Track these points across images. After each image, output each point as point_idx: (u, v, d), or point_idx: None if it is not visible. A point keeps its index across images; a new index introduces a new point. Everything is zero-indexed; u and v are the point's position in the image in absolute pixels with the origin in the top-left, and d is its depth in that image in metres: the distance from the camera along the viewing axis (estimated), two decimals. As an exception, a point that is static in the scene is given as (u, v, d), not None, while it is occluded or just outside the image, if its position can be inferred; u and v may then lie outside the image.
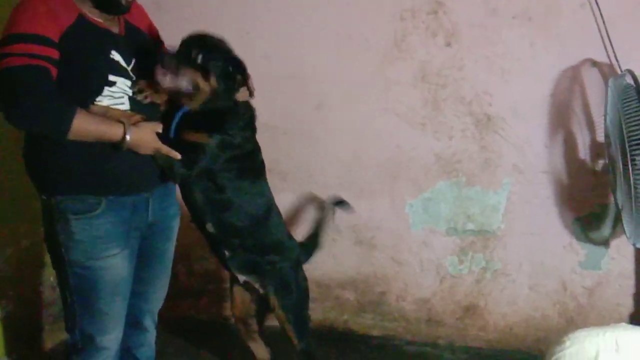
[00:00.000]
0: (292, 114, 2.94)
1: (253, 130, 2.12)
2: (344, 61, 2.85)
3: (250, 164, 2.11)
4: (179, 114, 1.97)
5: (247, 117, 2.07)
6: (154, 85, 1.89)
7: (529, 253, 2.83)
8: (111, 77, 1.81)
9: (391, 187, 2.92)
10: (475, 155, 2.81)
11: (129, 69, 1.87)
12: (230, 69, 1.96)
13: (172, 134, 1.95)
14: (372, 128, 2.88)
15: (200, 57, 1.89)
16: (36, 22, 1.70)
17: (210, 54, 1.92)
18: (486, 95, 2.75)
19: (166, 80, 1.86)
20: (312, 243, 2.46)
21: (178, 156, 1.88)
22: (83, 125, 1.72)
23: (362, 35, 2.81)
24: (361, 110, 2.87)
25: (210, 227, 2.09)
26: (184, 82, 1.88)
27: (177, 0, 2.93)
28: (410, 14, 2.74)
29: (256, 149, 2.14)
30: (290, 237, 2.30)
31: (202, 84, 1.91)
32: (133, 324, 2.10)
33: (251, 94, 2.02)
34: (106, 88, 1.80)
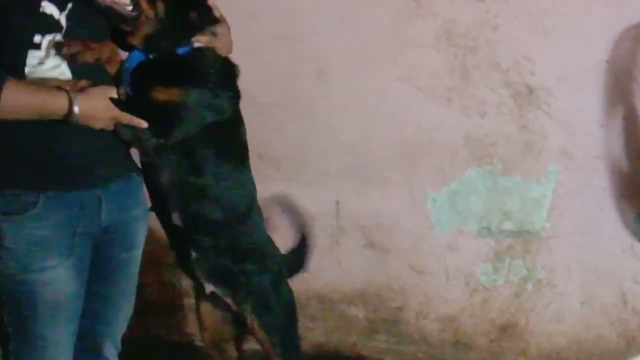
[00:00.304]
0: (286, 84, 2.92)
1: (236, 92, 2.09)
2: (349, 19, 2.83)
3: (234, 140, 2.10)
4: (132, 63, 1.93)
5: (226, 71, 2.05)
6: (92, 45, 1.85)
7: (580, 259, 2.82)
8: (37, 38, 1.76)
9: (409, 177, 2.91)
10: (513, 136, 2.79)
11: (62, 16, 1.81)
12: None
13: (129, 93, 1.93)
14: (384, 102, 2.87)
15: None
16: None
17: None
18: (527, 62, 2.73)
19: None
20: (295, 260, 2.43)
21: (143, 124, 1.85)
22: (14, 98, 1.68)
23: (371, -15, 2.79)
24: (371, 79, 2.86)
25: (175, 217, 2.06)
26: None
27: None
28: (432, -40, 2.74)
29: (240, 121, 2.11)
30: (272, 242, 2.29)
31: (145, 5, 1.87)
32: (90, 351, 2.05)
33: (218, 48, 1.99)
34: (31, 53, 1.76)
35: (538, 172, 2.80)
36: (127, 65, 1.96)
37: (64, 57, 1.79)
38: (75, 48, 1.82)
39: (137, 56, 1.95)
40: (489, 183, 2.85)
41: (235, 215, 2.12)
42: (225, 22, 2.02)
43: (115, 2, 1.85)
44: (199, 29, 1.97)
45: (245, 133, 2.14)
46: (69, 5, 1.83)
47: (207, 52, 2.00)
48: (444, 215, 2.91)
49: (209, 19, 1.99)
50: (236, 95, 2.09)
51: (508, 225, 2.87)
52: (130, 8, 1.87)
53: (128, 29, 1.91)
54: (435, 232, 2.93)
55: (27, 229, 1.80)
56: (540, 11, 2.70)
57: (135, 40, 1.93)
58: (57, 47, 1.80)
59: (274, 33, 2.87)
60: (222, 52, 2.04)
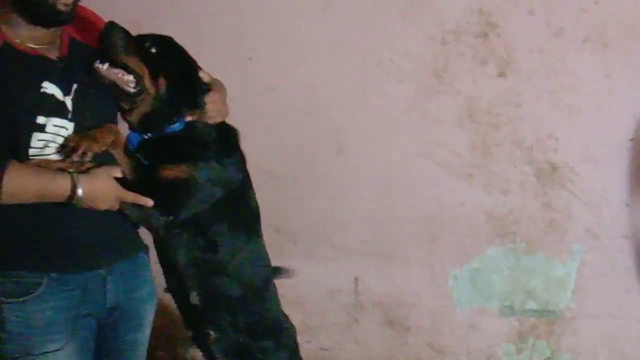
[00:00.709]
0: (305, 158, 2.92)
1: (242, 155, 2.06)
2: (370, 94, 2.85)
3: (245, 208, 2.06)
4: (134, 143, 1.92)
5: (226, 138, 2.03)
6: (94, 135, 1.82)
7: (606, 340, 2.78)
8: (40, 119, 1.74)
9: (430, 254, 2.88)
10: (536, 214, 2.78)
11: (67, 100, 1.80)
12: (188, 74, 1.95)
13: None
14: (405, 178, 2.86)
15: (154, 48, 1.88)
16: None
17: (166, 47, 1.92)
18: (550, 140, 2.74)
19: (103, 68, 1.81)
20: None
21: (150, 202, 1.82)
22: (17, 182, 1.65)
23: (393, 61, 2.81)
24: (392, 155, 2.86)
25: (194, 297, 2.01)
26: (126, 76, 1.84)
27: (163, 18, 2.94)
28: (454, 37, 2.75)
29: (248, 185, 2.08)
30: (286, 316, 2.24)
31: (148, 83, 1.87)
32: None
33: (210, 117, 1.97)
34: (35, 136, 1.74)
35: (562, 251, 2.78)
36: (130, 147, 1.94)
37: (73, 160, 1.76)
38: (81, 147, 1.78)
39: (136, 136, 1.94)
40: (512, 261, 2.82)
41: (253, 289, 2.07)
42: (217, 85, 2.01)
43: (119, 78, 1.84)
44: (190, 104, 1.94)
45: (254, 196, 2.09)
46: (74, 87, 1.82)
47: (199, 124, 1.97)
48: (466, 293, 2.88)
49: (200, 89, 1.96)
50: (241, 158, 2.05)
51: (531, 305, 2.83)
52: (133, 85, 1.86)
53: (127, 107, 1.91)
54: (457, 311, 2.89)
55: (29, 312, 1.77)
56: (563, 89, 2.70)
57: (132, 119, 1.92)
58: (64, 150, 1.77)
59: (294, 106, 2.87)
60: (216, 120, 2.00)
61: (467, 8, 2.72)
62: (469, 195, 2.82)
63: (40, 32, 1.81)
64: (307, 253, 2.92)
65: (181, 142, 1.94)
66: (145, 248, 2.04)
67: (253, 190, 2.08)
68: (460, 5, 2.73)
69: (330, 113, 2.88)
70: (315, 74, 2.87)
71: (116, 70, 1.84)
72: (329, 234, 2.95)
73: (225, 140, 2.03)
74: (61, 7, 1.76)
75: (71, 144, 1.78)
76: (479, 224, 2.83)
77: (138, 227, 2.01)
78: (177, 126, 1.95)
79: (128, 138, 1.94)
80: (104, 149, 1.84)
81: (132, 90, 1.86)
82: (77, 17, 1.93)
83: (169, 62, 1.91)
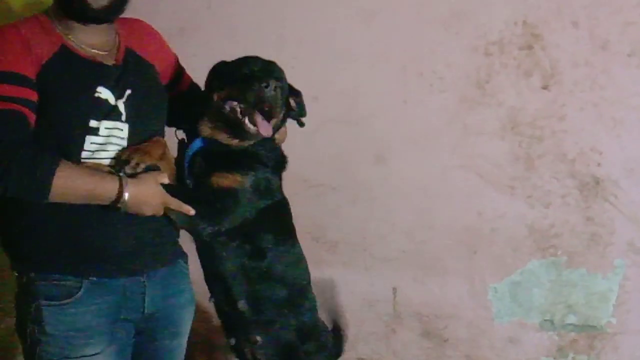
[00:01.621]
0: (344, 168, 2.92)
1: (281, 178, 2.13)
2: (412, 104, 2.84)
3: (285, 219, 2.12)
4: (190, 152, 1.97)
5: (280, 162, 2.09)
6: (146, 148, 1.88)
7: (648, 357, 2.73)
8: (93, 123, 1.78)
9: (469, 265, 2.87)
10: (579, 228, 2.76)
11: (120, 103, 1.83)
12: (290, 96, 2.06)
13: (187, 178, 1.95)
14: (445, 189, 2.85)
15: (274, 89, 1.94)
16: (9, 56, 1.70)
17: (284, 81, 2.02)
18: (594, 153, 2.71)
19: (269, 127, 1.93)
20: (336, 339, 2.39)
21: (192, 211, 1.85)
22: (68, 182, 1.68)
23: (435, 72, 2.80)
24: (432, 166, 2.85)
25: (242, 304, 2.04)
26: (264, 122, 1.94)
27: (205, 25, 2.98)
28: (498, 48, 2.73)
29: (287, 201, 2.14)
30: (322, 320, 2.26)
31: (276, 117, 1.98)
32: None
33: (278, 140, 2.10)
34: (89, 139, 1.78)
35: (604, 266, 2.75)
36: (189, 152, 1.98)
37: (125, 172, 1.79)
38: (135, 160, 1.83)
39: (199, 142, 1.99)
40: (553, 275, 2.80)
41: (298, 290, 2.11)
42: None
43: (245, 124, 1.92)
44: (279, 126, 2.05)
45: (290, 212, 2.15)
46: (127, 92, 1.86)
47: (269, 142, 2.05)
48: (505, 306, 2.85)
49: (288, 114, 2.09)
50: (281, 180, 2.13)
51: (572, 319, 2.81)
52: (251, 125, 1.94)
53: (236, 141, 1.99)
54: (496, 324, 2.87)
55: (69, 315, 1.79)
56: (607, 102, 2.66)
57: (243, 143, 1.99)
58: (118, 164, 1.81)
59: (335, 116, 2.86)
60: (280, 142, 2.12)
61: (511, 20, 2.70)
62: (510, 207, 2.79)
63: (95, 36, 1.86)
64: (345, 263, 2.91)
65: (243, 155, 1.99)
66: (185, 256, 2.08)
67: (289, 206, 2.14)
68: (503, 17, 2.71)
69: (371, 122, 2.87)
70: (357, 84, 2.87)
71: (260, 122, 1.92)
72: (368, 244, 2.93)
73: (278, 163, 2.10)
74: (93, 5, 1.80)
75: (124, 156, 1.82)
76: (520, 236, 2.80)
77: (178, 235, 2.04)
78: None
79: (191, 145, 1.98)
80: (154, 162, 1.88)
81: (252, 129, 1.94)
82: (134, 30, 1.99)
83: (281, 95, 1.99)
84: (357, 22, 2.86)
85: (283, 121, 2.07)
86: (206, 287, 2.08)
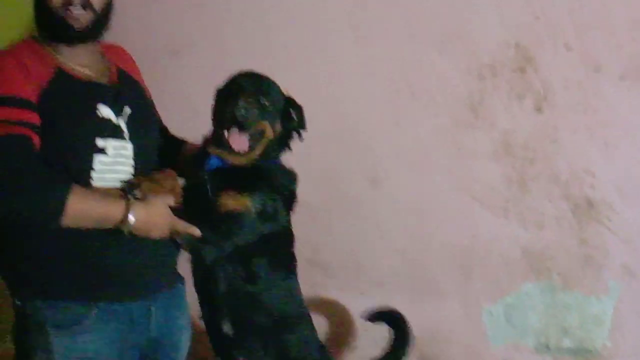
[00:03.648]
0: (337, 189, 2.93)
1: (290, 208, 2.12)
2: (405, 126, 2.86)
3: (285, 250, 2.11)
4: (207, 169, 1.97)
5: (289, 186, 2.10)
6: (157, 177, 1.90)
7: (644, 381, 2.73)
8: (99, 142, 1.80)
9: (464, 288, 2.87)
10: (573, 250, 2.75)
11: (121, 121, 1.86)
12: (290, 108, 2.07)
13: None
14: (439, 211, 2.86)
15: (266, 101, 1.96)
16: (9, 80, 1.72)
17: (274, 94, 2.02)
18: (587, 175, 2.72)
19: (244, 142, 1.92)
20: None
21: (197, 232, 1.85)
22: (80, 206, 1.68)
23: (429, 94, 2.82)
24: (426, 188, 2.86)
25: (227, 327, 2.04)
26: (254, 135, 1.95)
27: (197, 45, 3.01)
28: (491, 71, 2.76)
29: (291, 233, 2.13)
30: (324, 349, 2.23)
31: (269, 131, 1.98)
32: None
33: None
34: (97, 158, 1.79)
35: (599, 288, 2.74)
36: (207, 168, 1.99)
37: (134, 197, 1.81)
38: (146, 187, 1.84)
39: (216, 161, 2.00)
40: (547, 298, 2.79)
41: (284, 323, 2.08)
42: None
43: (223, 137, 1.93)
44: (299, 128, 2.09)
45: (294, 246, 2.14)
46: (127, 111, 1.88)
47: (284, 167, 2.10)
48: (500, 329, 2.84)
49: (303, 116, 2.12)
50: (290, 210, 2.12)
51: (567, 343, 2.80)
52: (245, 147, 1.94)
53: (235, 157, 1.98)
54: (491, 347, 2.86)
55: (78, 343, 1.80)
56: (600, 125, 2.67)
57: (241, 161, 1.99)
58: (129, 188, 1.83)
59: (326, 136, 2.83)
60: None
61: (504, 42, 2.73)
62: (504, 230, 2.80)
63: (85, 57, 1.90)
64: (339, 286, 2.92)
65: (263, 175, 2.01)
66: (182, 279, 2.09)
67: (294, 239, 2.14)
68: (497, 40, 2.74)
69: (364, 144, 2.90)
70: (350, 105, 2.89)
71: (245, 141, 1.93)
72: (361, 266, 2.94)
73: (290, 191, 2.11)
74: (71, 21, 1.82)
75: (135, 181, 1.85)
76: (514, 259, 2.80)
77: (177, 258, 2.04)
78: (270, 161, 2.05)
79: (207, 162, 2.00)
80: (165, 192, 1.89)
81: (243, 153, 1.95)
82: (118, 53, 2.05)
83: (278, 108, 2.03)
84: (350, 43, 2.89)
85: (287, 136, 2.08)
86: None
